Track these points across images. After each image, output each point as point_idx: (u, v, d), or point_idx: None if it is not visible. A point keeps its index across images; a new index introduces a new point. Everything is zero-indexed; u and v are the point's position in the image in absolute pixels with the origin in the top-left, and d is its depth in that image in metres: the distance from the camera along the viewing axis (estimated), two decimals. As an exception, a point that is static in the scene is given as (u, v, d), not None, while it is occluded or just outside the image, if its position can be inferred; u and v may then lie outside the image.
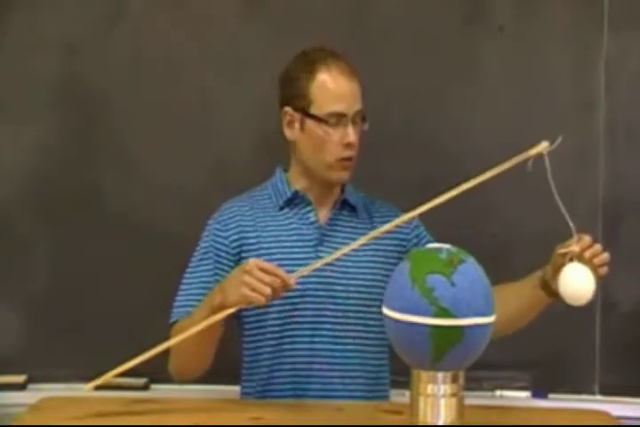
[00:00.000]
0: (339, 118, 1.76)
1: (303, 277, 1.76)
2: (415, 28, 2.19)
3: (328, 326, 1.78)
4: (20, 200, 2.23)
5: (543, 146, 1.61)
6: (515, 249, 2.17)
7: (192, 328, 1.57)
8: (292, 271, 1.76)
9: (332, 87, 1.77)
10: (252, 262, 1.57)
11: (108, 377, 1.56)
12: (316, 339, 1.77)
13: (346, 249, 1.64)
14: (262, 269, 1.56)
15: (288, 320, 1.78)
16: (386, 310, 1.42)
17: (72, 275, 2.19)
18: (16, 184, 2.23)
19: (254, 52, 2.18)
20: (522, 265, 2.17)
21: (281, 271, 1.57)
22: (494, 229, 2.16)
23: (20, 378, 2.19)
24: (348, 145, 1.77)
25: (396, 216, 1.88)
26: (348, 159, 1.79)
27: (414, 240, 1.87)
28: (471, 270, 1.41)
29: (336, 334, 1.78)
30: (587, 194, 2.17)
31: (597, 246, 1.62)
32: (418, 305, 1.37)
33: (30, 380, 2.16)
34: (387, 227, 1.65)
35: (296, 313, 1.78)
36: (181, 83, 2.21)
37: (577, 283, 1.56)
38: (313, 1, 2.22)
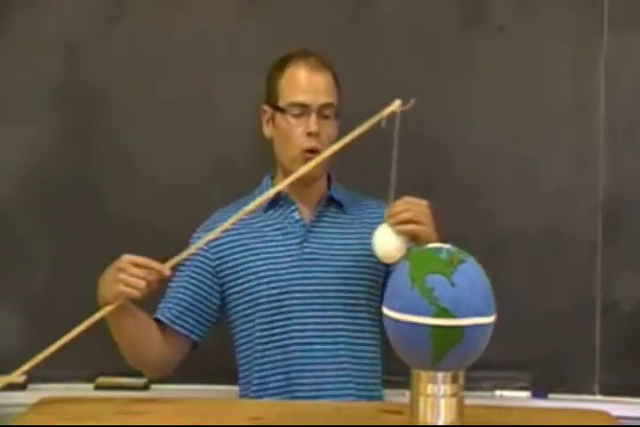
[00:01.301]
0: (302, 109, 1.79)
1: (289, 273, 1.80)
2: (415, 28, 2.19)
3: (318, 320, 1.79)
4: (20, 200, 2.23)
5: (396, 104, 1.63)
6: (514, 249, 2.17)
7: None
8: (279, 269, 1.79)
9: (296, 79, 1.80)
10: (125, 259, 1.62)
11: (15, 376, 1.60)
12: (307, 333, 1.79)
13: (217, 231, 1.70)
14: (135, 264, 1.61)
15: (276, 317, 1.80)
16: (386, 310, 1.42)
17: (72, 275, 2.19)
18: (16, 184, 2.23)
19: (254, 52, 2.17)
20: (521, 265, 2.18)
21: (154, 263, 1.62)
22: (493, 228, 2.16)
23: (20, 378, 2.19)
24: (310, 135, 1.78)
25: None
26: (313, 151, 1.79)
27: None
28: (471, 270, 1.41)
29: (325, 327, 1.79)
30: (587, 194, 2.17)
31: (398, 206, 1.64)
32: (418, 305, 1.37)
33: (30, 380, 2.16)
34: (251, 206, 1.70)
35: (284, 309, 1.79)
36: (181, 83, 2.21)
37: (379, 242, 1.65)
38: (313, 1, 2.22)
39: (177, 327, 1.82)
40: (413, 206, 1.65)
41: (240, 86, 2.18)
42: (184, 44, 2.21)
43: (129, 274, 1.61)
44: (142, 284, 1.60)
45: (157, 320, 1.82)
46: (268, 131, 1.85)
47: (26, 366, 1.60)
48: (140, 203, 2.21)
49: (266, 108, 1.85)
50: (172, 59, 2.21)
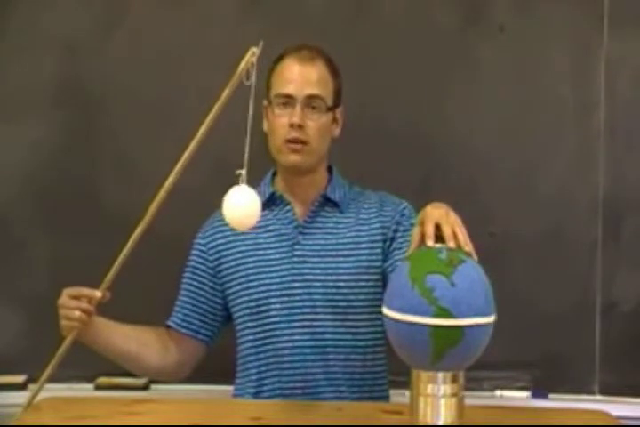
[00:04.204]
0: (287, 100, 1.78)
1: (279, 276, 1.79)
2: (415, 28, 2.19)
3: (306, 323, 1.78)
4: (20, 200, 2.23)
5: (251, 52, 1.56)
6: (514, 249, 2.17)
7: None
8: (270, 272, 1.79)
9: (283, 72, 1.80)
10: (63, 294, 1.68)
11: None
12: (296, 337, 1.78)
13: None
14: (71, 296, 1.67)
15: (266, 321, 1.80)
16: (386, 310, 1.42)
17: (72, 275, 2.19)
18: (16, 184, 2.23)
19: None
20: (521, 265, 2.18)
21: (85, 290, 1.68)
22: (493, 228, 2.16)
23: (20, 378, 2.19)
24: (292, 126, 1.76)
25: (384, 205, 1.86)
26: (295, 141, 1.77)
27: (394, 227, 1.82)
28: (471, 270, 1.41)
29: (314, 330, 1.78)
30: (587, 194, 2.17)
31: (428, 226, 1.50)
32: (418, 305, 1.37)
33: (30, 380, 2.16)
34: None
35: (272, 313, 1.79)
36: (181, 82, 2.21)
37: (227, 207, 1.50)
38: (313, 1, 2.22)
39: (184, 330, 1.85)
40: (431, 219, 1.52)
41: (240, 86, 2.17)
42: (184, 44, 2.21)
43: (66, 308, 1.67)
44: (76, 314, 1.66)
45: (169, 326, 1.87)
46: (265, 125, 1.84)
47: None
48: (140, 203, 2.21)
49: (265, 102, 1.84)
50: (172, 58, 2.21)
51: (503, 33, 2.18)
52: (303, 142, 1.77)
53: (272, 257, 1.81)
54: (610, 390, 2.16)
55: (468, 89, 2.19)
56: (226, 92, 1.57)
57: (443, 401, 1.42)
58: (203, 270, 1.87)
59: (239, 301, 1.82)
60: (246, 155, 1.54)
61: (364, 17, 2.20)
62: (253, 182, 1.91)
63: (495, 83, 2.19)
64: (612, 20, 2.14)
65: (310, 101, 1.78)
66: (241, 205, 1.50)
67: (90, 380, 2.21)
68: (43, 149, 2.23)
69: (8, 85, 2.23)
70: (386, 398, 1.84)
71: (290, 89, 1.77)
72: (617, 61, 2.15)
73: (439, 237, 1.48)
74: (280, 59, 1.82)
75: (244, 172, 1.52)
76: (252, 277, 1.81)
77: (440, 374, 1.41)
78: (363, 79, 2.12)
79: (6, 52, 2.23)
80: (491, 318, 1.41)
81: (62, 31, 2.22)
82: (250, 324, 1.81)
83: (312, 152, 1.79)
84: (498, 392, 2.20)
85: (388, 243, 1.81)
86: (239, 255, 1.83)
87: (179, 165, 1.63)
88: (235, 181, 1.61)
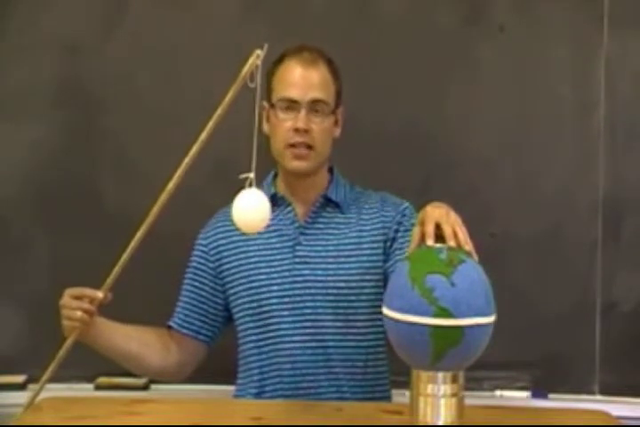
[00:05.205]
0: (291, 104, 1.77)
1: (281, 277, 1.79)
2: (415, 28, 2.19)
3: (308, 324, 1.78)
4: (20, 200, 2.23)
5: (256, 55, 1.52)
6: (514, 249, 2.17)
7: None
8: (271, 273, 1.79)
9: (286, 74, 1.79)
10: (65, 294, 1.68)
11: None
12: (297, 337, 1.78)
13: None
14: (73, 296, 1.67)
15: (268, 321, 1.79)
16: (386, 310, 1.42)
17: (72, 275, 2.19)
18: (16, 184, 2.23)
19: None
20: (521, 265, 2.18)
21: (87, 291, 1.67)
22: (494, 228, 2.16)
23: (20, 378, 2.19)
24: (297, 130, 1.76)
25: (385, 205, 1.85)
26: (299, 146, 1.77)
27: (395, 227, 1.82)
28: (471, 270, 1.41)
29: (316, 331, 1.78)
30: (587, 194, 2.17)
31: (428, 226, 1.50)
32: (418, 305, 1.37)
33: (30, 380, 2.16)
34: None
35: (274, 313, 1.79)
36: (181, 82, 2.21)
37: (237, 210, 1.49)
38: (313, 1, 2.22)
39: (185, 331, 1.86)
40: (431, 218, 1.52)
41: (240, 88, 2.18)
42: (184, 45, 2.21)
43: (67, 308, 1.67)
44: (77, 314, 1.66)
45: (170, 326, 1.87)
46: (265, 127, 1.84)
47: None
48: (140, 203, 2.21)
49: (265, 104, 1.83)
50: (172, 58, 2.21)
51: (503, 33, 2.18)
52: (309, 147, 1.77)
53: (273, 258, 1.81)
54: (610, 390, 2.16)
55: (468, 89, 2.19)
56: (230, 95, 1.56)
57: (443, 401, 1.42)
58: (204, 271, 1.87)
59: (241, 301, 1.82)
60: (254, 158, 1.53)
61: (364, 17, 2.20)
62: (255, 183, 1.93)
63: (495, 83, 2.19)
64: (612, 20, 2.14)
65: (314, 106, 1.78)
66: (251, 208, 1.49)
67: (90, 380, 2.21)
68: (43, 149, 2.23)
69: (8, 85, 2.23)
70: (387, 398, 1.84)
71: (294, 93, 1.77)
72: (617, 61, 2.15)
73: (439, 237, 1.48)
74: (281, 60, 1.81)
75: (252, 175, 1.51)
76: (253, 278, 1.80)
77: (440, 374, 1.41)
78: (363, 79, 2.12)
79: (6, 52, 2.23)
80: (491, 318, 1.41)
81: (62, 31, 2.22)
82: (251, 324, 1.81)
83: (317, 157, 1.80)
84: (498, 392, 2.20)
85: (389, 243, 1.81)
86: (241, 256, 1.83)
87: (180, 170, 1.62)
88: (236, 182, 1.61)
